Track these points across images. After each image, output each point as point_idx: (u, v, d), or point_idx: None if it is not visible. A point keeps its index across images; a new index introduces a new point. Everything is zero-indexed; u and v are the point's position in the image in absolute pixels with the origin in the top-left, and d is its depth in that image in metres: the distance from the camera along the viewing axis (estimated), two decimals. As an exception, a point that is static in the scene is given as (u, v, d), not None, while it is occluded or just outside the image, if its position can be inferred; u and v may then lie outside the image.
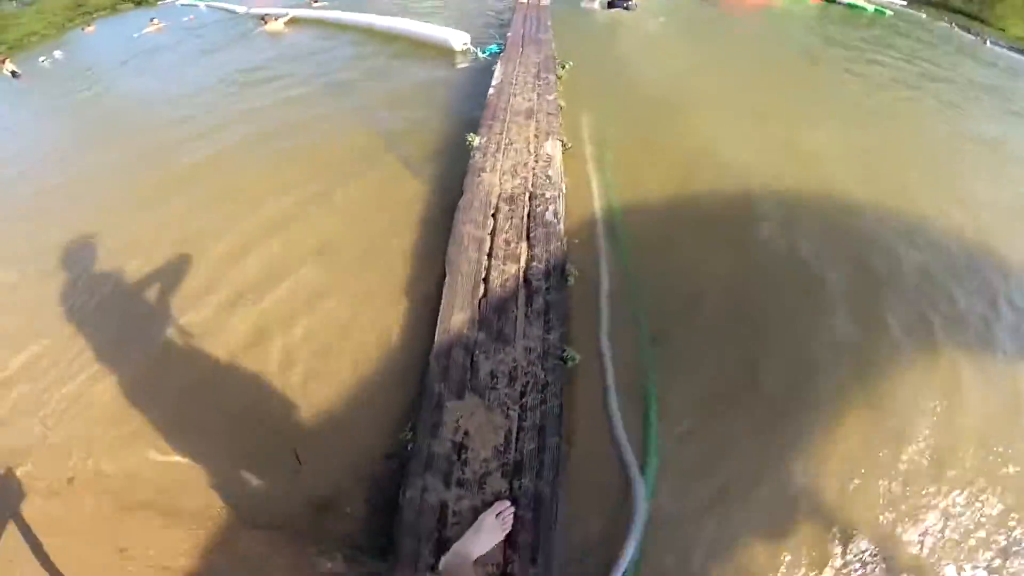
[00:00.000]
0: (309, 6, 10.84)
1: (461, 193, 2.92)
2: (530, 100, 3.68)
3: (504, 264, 2.35)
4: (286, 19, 8.77)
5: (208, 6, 17.35)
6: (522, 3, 7.52)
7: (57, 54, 17.26)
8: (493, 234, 2.55)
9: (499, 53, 5.09)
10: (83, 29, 29.20)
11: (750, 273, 2.60)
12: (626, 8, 8.69)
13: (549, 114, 3.50)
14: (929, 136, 4.16)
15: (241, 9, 12.66)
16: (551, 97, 3.70)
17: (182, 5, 24.06)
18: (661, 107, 4.30)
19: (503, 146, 3.22)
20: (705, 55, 6.65)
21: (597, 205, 2.97)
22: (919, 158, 3.75)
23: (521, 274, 2.29)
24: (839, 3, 17.45)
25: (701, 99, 4.57)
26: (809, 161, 3.53)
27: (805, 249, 2.74)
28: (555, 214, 2.69)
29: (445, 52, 5.52)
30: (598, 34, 6.95)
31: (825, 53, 6.66)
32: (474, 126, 3.57)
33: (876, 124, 4.25)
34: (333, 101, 4.62)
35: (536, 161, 3.05)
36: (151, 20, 14.11)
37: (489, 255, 2.41)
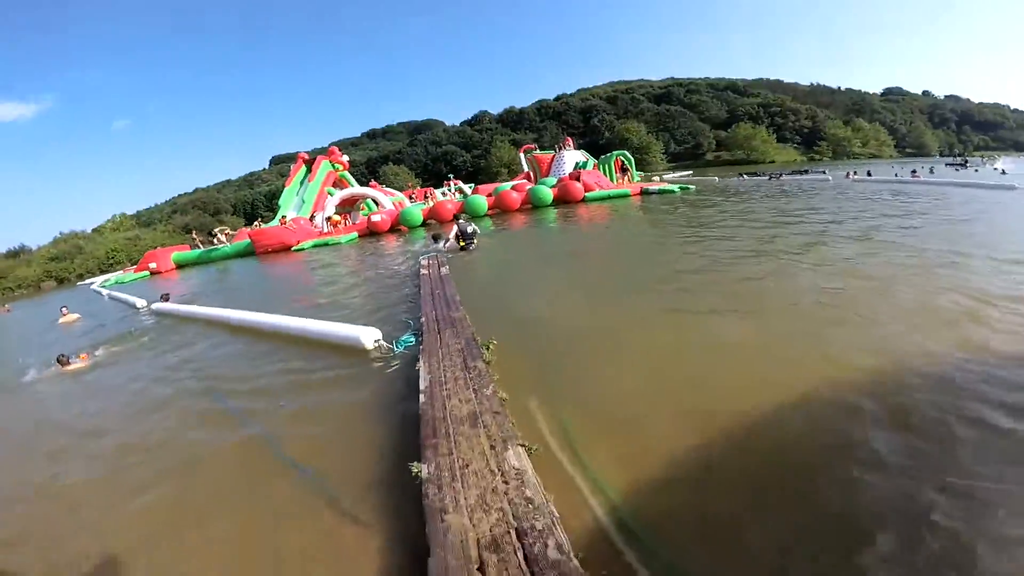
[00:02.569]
0: (162, 300, 11.12)
1: (426, 550, 2.24)
2: (469, 400, 3.33)
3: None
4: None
5: (110, 295, 17.00)
6: (424, 275, 7.96)
7: (-33, 333, 15.12)
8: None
9: (416, 344, 4.92)
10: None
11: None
12: (470, 246, 11.24)
13: (495, 413, 3.12)
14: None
15: (140, 303, 12.71)
16: (489, 391, 3.40)
17: (93, 290, 23.75)
18: (600, 358, 4.24)
19: (458, 471, 2.69)
20: (589, 269, 7.53)
21: (601, 515, 2.42)
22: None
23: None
24: (651, 192, 22.27)
25: (630, 325, 4.87)
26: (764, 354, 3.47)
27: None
28: (559, 548, 2.08)
29: (354, 352, 5.17)
30: (488, 288, 7.49)
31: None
32: (413, 448, 3.06)
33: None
34: (225, 429, 3.95)
35: (506, 482, 2.53)
36: (62, 309, 14.19)
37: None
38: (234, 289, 13.69)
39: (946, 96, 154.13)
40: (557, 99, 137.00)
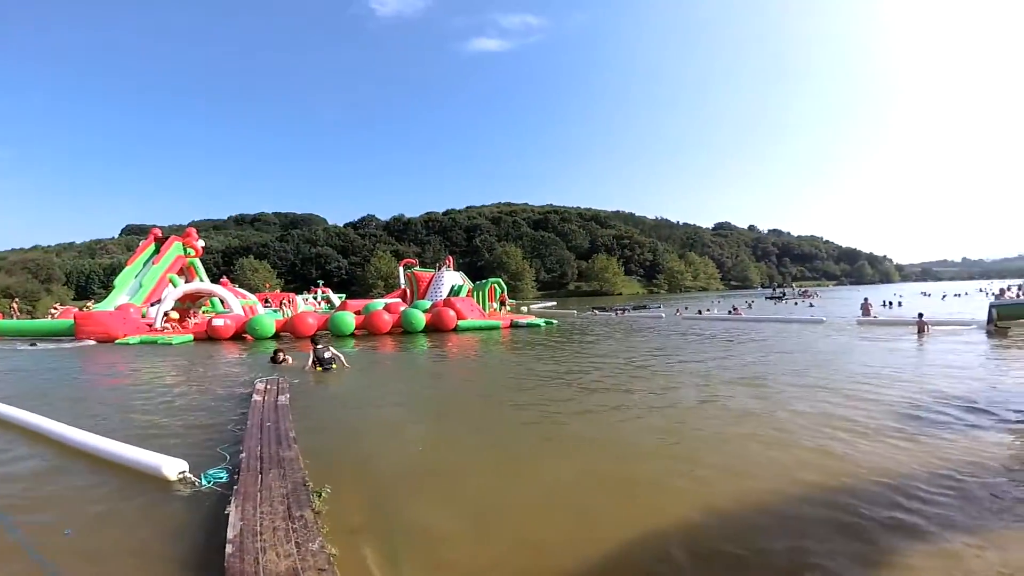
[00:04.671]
0: None
1: None
2: (289, 555, 2.97)
3: None
4: None
5: None
6: (256, 401, 7.22)
7: None
8: None
9: (227, 481, 4.37)
10: None
11: None
12: (327, 371, 10.34)
13: (320, 570, 2.82)
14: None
15: None
16: (315, 545, 3.09)
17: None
18: (448, 501, 4.17)
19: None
20: (450, 404, 8.01)
21: None
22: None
23: None
24: (520, 325, 23.47)
25: (478, 465, 5.00)
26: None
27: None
28: None
29: (156, 481, 4.52)
30: (333, 421, 7.04)
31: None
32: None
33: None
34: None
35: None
36: None
37: None
38: (37, 378, 11.69)
39: (769, 230, 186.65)
40: (446, 213, 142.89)
